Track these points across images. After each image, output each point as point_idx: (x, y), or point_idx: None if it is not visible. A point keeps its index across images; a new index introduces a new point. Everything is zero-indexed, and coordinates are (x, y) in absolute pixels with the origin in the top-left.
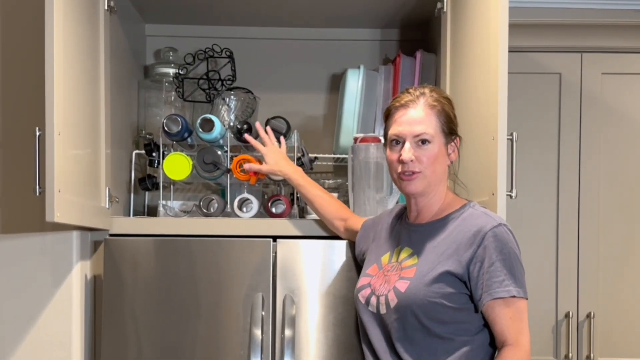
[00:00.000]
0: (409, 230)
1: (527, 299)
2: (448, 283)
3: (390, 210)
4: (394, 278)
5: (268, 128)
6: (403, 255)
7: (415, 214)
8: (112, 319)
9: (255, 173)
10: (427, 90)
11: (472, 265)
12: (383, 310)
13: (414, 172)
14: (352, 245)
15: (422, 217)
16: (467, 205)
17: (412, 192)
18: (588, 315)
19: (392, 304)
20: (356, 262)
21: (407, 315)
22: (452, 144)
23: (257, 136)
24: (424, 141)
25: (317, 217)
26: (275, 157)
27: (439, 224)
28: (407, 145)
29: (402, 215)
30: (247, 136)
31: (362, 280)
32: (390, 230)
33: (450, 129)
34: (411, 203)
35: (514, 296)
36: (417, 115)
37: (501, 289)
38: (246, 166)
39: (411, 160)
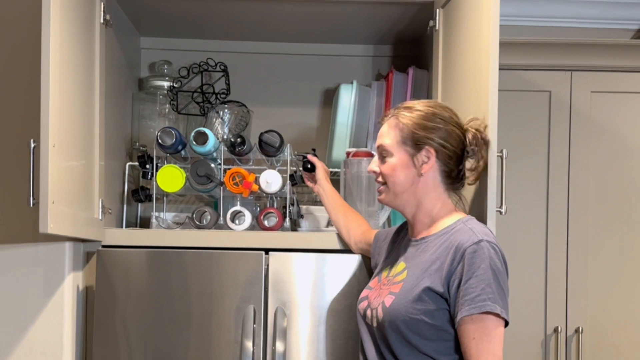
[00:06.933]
0: (406, 244)
1: (507, 321)
2: (429, 299)
3: (399, 225)
4: (385, 292)
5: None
6: (398, 269)
7: (411, 228)
8: (103, 330)
9: (249, 186)
10: (402, 106)
11: (452, 281)
12: (374, 323)
13: (380, 185)
14: (344, 259)
15: (417, 232)
16: (460, 220)
17: (381, 203)
18: (577, 330)
19: (380, 318)
20: (348, 276)
21: (391, 330)
22: (422, 155)
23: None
24: (384, 153)
25: (309, 230)
26: (324, 170)
27: (431, 239)
28: (375, 157)
29: (405, 230)
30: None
31: (363, 292)
32: (393, 244)
33: (415, 140)
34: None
35: (487, 312)
36: (383, 130)
37: (473, 305)
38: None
39: (373, 172)
